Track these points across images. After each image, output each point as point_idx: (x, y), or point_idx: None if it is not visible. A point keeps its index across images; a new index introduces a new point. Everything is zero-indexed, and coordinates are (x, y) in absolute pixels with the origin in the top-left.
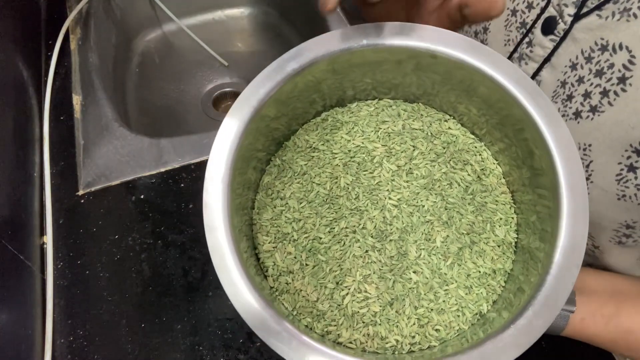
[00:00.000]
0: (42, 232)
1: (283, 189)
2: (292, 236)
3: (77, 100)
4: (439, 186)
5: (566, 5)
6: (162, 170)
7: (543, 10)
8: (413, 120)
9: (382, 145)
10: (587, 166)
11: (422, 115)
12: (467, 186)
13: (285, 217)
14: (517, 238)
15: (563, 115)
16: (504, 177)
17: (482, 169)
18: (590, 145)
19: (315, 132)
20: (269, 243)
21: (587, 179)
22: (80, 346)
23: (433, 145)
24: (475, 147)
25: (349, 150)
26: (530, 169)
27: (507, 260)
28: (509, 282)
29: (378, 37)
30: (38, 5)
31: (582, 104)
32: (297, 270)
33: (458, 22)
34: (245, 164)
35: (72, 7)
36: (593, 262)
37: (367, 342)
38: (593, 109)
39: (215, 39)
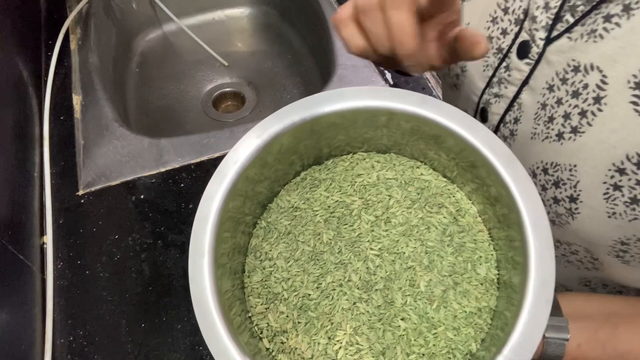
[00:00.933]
0: (42, 232)
1: (270, 250)
2: (283, 295)
3: (77, 100)
4: (417, 231)
5: (537, 30)
6: (162, 170)
7: (517, 35)
8: (387, 171)
9: (360, 198)
10: (575, 186)
11: (394, 164)
12: (444, 228)
13: (275, 277)
14: (498, 274)
15: (546, 137)
16: (479, 216)
17: (457, 210)
18: (575, 166)
19: (296, 192)
20: (261, 305)
21: (577, 198)
22: (80, 346)
23: (407, 192)
24: (449, 190)
25: (329, 206)
26: (501, 207)
27: (491, 298)
28: (495, 319)
29: (352, 101)
30: (38, 5)
31: (563, 125)
32: (290, 329)
33: (448, 59)
34: (234, 228)
35: (72, 7)
36: (601, 276)
37: None
38: (574, 130)
39: (215, 39)
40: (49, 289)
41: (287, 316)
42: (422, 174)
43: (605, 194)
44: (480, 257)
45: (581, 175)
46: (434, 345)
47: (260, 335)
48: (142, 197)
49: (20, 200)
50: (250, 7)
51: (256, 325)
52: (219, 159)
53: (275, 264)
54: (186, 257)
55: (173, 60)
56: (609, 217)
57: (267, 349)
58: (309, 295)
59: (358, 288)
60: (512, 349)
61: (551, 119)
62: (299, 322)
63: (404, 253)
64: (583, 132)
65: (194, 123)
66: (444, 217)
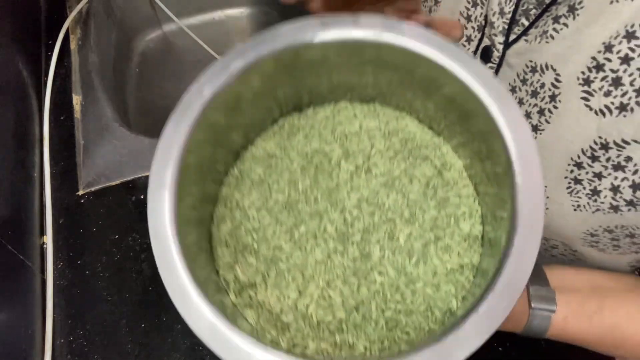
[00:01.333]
0: (42, 232)
1: (242, 199)
2: (253, 246)
3: (77, 100)
4: (398, 183)
5: (496, 35)
6: None
7: (480, 41)
8: (370, 120)
9: (340, 147)
10: None
11: (378, 114)
12: (427, 181)
13: (245, 227)
14: (483, 231)
15: None
16: (465, 171)
17: (443, 164)
18: None
19: (273, 140)
20: (229, 256)
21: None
22: (80, 346)
23: (391, 143)
24: (434, 142)
25: (306, 154)
26: (492, 165)
27: (474, 254)
28: (478, 277)
29: (329, 30)
30: (38, 5)
31: None
32: (259, 282)
33: None
34: (201, 177)
35: (72, 7)
36: (581, 264)
37: (335, 352)
38: (535, 128)
39: (215, 39)
40: (49, 289)
41: (257, 269)
42: (407, 125)
43: (568, 188)
44: (464, 212)
45: (545, 172)
46: (411, 301)
47: (227, 289)
48: (142, 197)
49: (20, 200)
50: (250, 7)
51: (223, 278)
52: None
53: (246, 213)
54: None
55: (173, 60)
56: (575, 210)
57: (233, 304)
58: (281, 246)
59: (333, 239)
60: (489, 305)
61: None
62: (268, 275)
63: (384, 205)
64: (543, 130)
65: None
66: (428, 170)
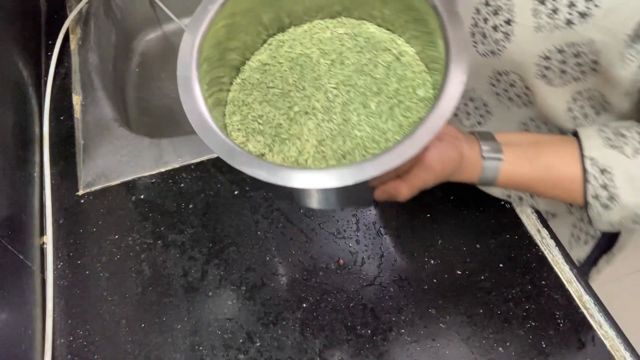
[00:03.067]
0: (42, 232)
1: (246, 98)
2: (259, 128)
3: (77, 100)
4: (366, 68)
5: None
6: (162, 170)
7: None
8: (339, 28)
9: (318, 49)
10: (510, 10)
11: (345, 24)
12: (388, 65)
13: (251, 116)
14: (433, 93)
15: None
16: (417, 55)
17: (399, 52)
18: None
19: (265, 53)
20: (242, 137)
21: (511, 20)
22: (80, 346)
23: (357, 41)
24: (391, 38)
25: (292, 58)
26: (435, 49)
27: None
28: None
29: None
30: (38, 5)
31: None
32: (267, 152)
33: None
34: (213, 84)
35: (72, 7)
36: (535, 114)
37: None
38: None
39: None
40: (49, 289)
41: (264, 143)
42: (368, 29)
43: (532, 9)
44: (419, 82)
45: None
46: (385, 146)
47: None
48: (142, 197)
49: (20, 200)
50: None
51: None
52: (219, 159)
53: (250, 107)
54: (186, 257)
55: (173, 60)
56: (536, 31)
57: None
58: (281, 124)
59: (321, 113)
60: (419, 132)
61: None
62: (274, 145)
63: (357, 84)
64: None
65: None
66: (388, 57)
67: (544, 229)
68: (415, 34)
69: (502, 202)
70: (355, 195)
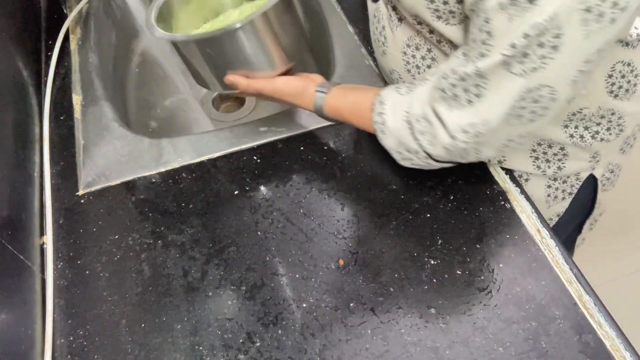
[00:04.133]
0: (42, 232)
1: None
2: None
3: (77, 100)
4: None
5: None
6: (162, 170)
7: None
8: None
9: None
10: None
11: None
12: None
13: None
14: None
15: None
16: None
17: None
18: None
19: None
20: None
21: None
22: (80, 346)
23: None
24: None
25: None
26: None
27: None
28: None
29: None
30: (38, 5)
31: None
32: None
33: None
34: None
35: (72, 7)
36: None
37: None
38: None
39: None
40: (49, 289)
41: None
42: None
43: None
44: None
45: None
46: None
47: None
48: (142, 197)
49: (20, 200)
50: None
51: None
52: (219, 159)
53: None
54: (186, 257)
55: (173, 60)
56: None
57: None
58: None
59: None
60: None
61: None
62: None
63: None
64: None
65: (194, 123)
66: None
67: (544, 229)
68: None
69: (502, 202)
70: (217, 68)
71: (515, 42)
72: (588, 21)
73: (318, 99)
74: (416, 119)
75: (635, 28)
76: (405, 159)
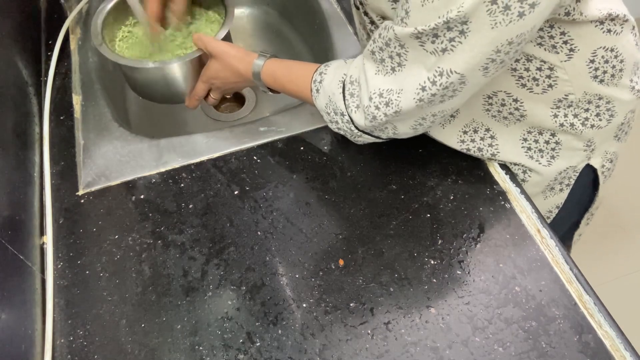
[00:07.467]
0: (42, 232)
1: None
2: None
3: (77, 100)
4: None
5: None
6: (162, 170)
7: None
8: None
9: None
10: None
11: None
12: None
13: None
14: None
15: None
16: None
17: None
18: None
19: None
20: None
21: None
22: (80, 346)
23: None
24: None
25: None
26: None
27: None
28: None
29: None
30: (38, 5)
31: None
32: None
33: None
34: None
35: (72, 7)
36: (528, 126)
37: None
38: None
39: None
40: (49, 289)
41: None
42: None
43: None
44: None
45: None
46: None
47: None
48: (142, 197)
49: (20, 200)
50: (250, 7)
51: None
52: (219, 159)
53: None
54: (186, 257)
55: None
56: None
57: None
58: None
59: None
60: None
61: None
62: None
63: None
64: None
65: (194, 123)
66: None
67: (544, 229)
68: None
69: (502, 202)
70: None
71: (426, 22)
72: (494, 12)
73: (256, 65)
74: (350, 81)
75: (618, 17)
76: (332, 122)
